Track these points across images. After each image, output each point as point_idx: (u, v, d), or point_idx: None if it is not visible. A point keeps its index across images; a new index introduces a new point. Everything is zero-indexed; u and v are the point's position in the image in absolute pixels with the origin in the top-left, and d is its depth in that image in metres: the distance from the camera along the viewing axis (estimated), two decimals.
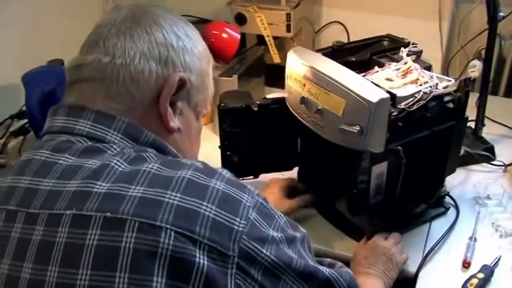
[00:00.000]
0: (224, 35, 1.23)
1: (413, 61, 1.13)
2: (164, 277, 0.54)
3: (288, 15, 1.75)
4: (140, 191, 0.57)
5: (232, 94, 1.29)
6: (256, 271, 0.59)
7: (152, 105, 0.70)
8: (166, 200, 0.56)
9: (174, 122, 0.72)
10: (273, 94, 1.23)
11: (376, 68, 1.11)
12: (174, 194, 0.57)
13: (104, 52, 0.69)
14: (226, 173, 0.64)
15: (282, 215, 0.67)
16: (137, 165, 0.61)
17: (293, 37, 1.83)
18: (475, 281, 1.03)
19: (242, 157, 1.26)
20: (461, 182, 1.36)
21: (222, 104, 1.21)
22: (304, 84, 1.06)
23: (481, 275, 1.04)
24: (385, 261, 1.06)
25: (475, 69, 1.65)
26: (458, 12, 1.91)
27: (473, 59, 1.77)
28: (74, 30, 1.76)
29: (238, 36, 1.54)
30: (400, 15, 1.92)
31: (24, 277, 0.58)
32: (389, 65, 1.12)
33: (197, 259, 0.54)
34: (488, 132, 1.52)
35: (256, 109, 1.21)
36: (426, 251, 1.13)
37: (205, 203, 0.57)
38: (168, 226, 0.55)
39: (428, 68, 1.14)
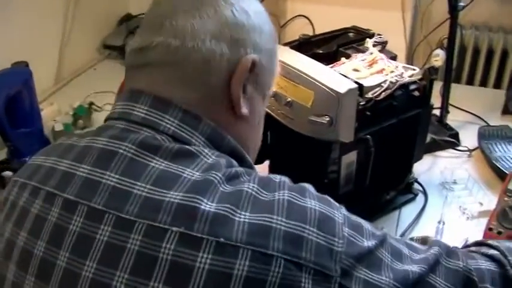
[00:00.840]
0: None
1: (379, 51, 1.16)
2: None
3: None
4: (247, 217, 0.55)
5: None
6: (357, 285, 0.58)
7: (224, 90, 0.66)
8: (274, 225, 0.55)
9: (244, 108, 0.68)
10: None
11: (343, 59, 1.13)
12: (279, 218, 0.56)
13: (173, 34, 0.64)
14: (311, 187, 0.63)
15: (362, 219, 0.66)
16: (237, 186, 0.58)
17: None
18: None
19: None
20: (428, 168, 1.39)
21: None
22: None
23: None
24: None
25: (438, 58, 1.68)
26: (420, 3, 1.95)
27: (436, 48, 1.81)
28: (37, 31, 1.75)
29: None
30: (364, 7, 1.95)
31: (116, 285, 0.55)
32: (356, 56, 1.14)
33: (303, 284, 0.54)
34: (453, 119, 1.56)
35: None
36: (397, 237, 1.15)
37: (307, 227, 0.56)
38: (279, 254, 0.54)
39: (394, 58, 1.17)
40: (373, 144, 1.07)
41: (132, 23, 2.09)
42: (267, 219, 0.55)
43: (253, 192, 0.58)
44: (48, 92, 1.82)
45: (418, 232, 1.18)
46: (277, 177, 0.63)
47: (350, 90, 0.96)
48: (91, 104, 1.66)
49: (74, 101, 1.65)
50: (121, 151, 0.60)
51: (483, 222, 1.17)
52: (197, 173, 0.58)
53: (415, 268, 0.63)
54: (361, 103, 1.01)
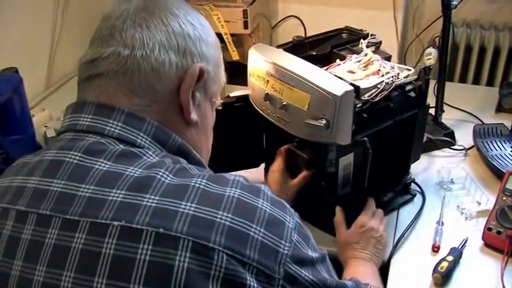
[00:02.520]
0: None
1: (373, 52, 1.15)
2: None
3: (245, 11, 1.75)
4: (192, 209, 0.56)
5: None
6: None
7: (173, 98, 0.69)
8: (218, 220, 0.56)
9: (194, 114, 0.71)
10: (236, 92, 1.23)
11: (338, 61, 1.12)
12: (225, 214, 0.57)
13: (122, 44, 0.67)
14: (268, 191, 0.64)
15: (311, 235, 0.68)
16: (184, 178, 0.60)
17: (251, 33, 1.83)
18: (445, 264, 1.05)
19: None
20: (425, 169, 1.39)
21: None
22: (268, 81, 1.06)
23: (450, 258, 1.06)
24: (375, 243, 1.07)
25: (431, 56, 1.68)
26: (412, 2, 1.95)
27: (428, 47, 1.81)
28: (27, 37, 1.73)
29: None
30: (355, 7, 1.95)
31: (65, 286, 0.56)
32: (350, 57, 1.13)
33: (248, 281, 0.55)
34: (447, 117, 1.56)
35: (220, 108, 1.20)
36: (396, 239, 1.15)
37: (254, 225, 0.58)
38: (221, 248, 0.55)
39: (388, 58, 1.16)
40: (370, 145, 1.06)
41: None
42: (212, 213, 0.56)
43: (201, 186, 0.59)
44: (39, 98, 1.80)
45: (417, 233, 1.17)
46: (232, 176, 0.64)
47: (347, 93, 0.95)
48: None
49: (65, 106, 1.62)
50: (67, 159, 0.63)
51: (482, 222, 1.16)
52: (139, 170, 0.60)
53: (345, 283, 0.70)
54: (358, 105, 1.00)
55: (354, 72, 1.07)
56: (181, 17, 0.70)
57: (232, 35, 1.77)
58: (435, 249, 1.12)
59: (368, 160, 1.09)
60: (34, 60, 1.81)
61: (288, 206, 0.65)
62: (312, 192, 1.17)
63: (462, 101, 1.68)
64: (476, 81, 2.04)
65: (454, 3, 1.37)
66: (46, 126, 1.56)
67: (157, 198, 0.57)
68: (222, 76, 0.80)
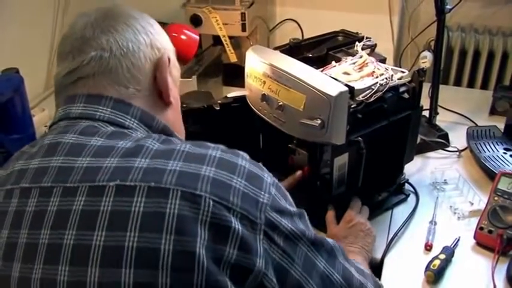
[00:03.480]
0: (183, 37, 1.24)
1: (368, 54, 1.18)
2: (206, 239, 0.60)
3: (243, 14, 1.77)
4: (179, 166, 0.63)
5: (193, 95, 1.30)
6: (278, 238, 0.66)
7: (152, 84, 0.78)
8: (202, 173, 0.63)
9: (170, 96, 0.80)
10: (234, 93, 1.25)
11: (333, 62, 1.14)
12: (209, 168, 0.64)
13: (100, 48, 0.74)
14: (245, 154, 0.70)
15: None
16: (170, 145, 0.67)
17: (248, 36, 1.85)
18: (437, 262, 1.07)
19: None
20: (419, 169, 1.41)
21: (184, 105, 1.22)
22: (264, 82, 1.08)
23: (442, 256, 1.09)
24: (364, 236, 1.10)
25: (426, 60, 1.70)
26: (408, 6, 1.97)
27: (423, 50, 1.83)
28: (27, 38, 1.75)
29: (197, 37, 1.55)
30: (352, 11, 1.97)
31: (68, 243, 0.62)
32: (346, 59, 1.15)
33: (233, 224, 0.61)
34: (442, 120, 1.58)
35: (218, 108, 1.23)
36: (390, 238, 1.17)
37: (235, 177, 0.64)
38: (207, 195, 0.61)
39: (383, 60, 1.18)
40: (364, 146, 1.08)
41: None
42: (197, 168, 0.63)
43: (186, 149, 0.66)
44: (39, 98, 1.82)
45: (411, 232, 1.20)
46: (212, 144, 0.70)
47: (341, 93, 0.97)
48: None
49: None
50: (63, 140, 0.70)
51: (474, 221, 1.18)
52: (129, 143, 0.67)
53: (324, 238, 0.77)
54: (352, 106, 1.02)
55: (349, 74, 1.09)
56: (139, 19, 0.80)
57: (230, 37, 1.79)
58: (428, 247, 1.14)
59: (362, 160, 1.11)
60: (34, 61, 1.83)
61: (264, 168, 0.71)
62: (307, 192, 1.19)
63: (456, 103, 1.70)
64: (470, 84, 2.06)
65: (448, 7, 1.40)
66: (46, 126, 1.58)
67: (147, 160, 0.64)
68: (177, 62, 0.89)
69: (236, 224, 0.61)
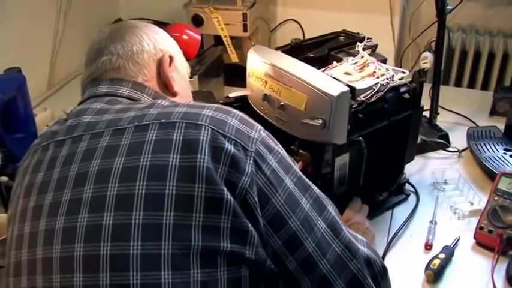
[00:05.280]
0: (185, 37, 1.25)
1: (369, 55, 1.18)
2: (206, 155, 0.70)
3: (244, 15, 1.78)
4: (183, 109, 0.75)
5: (195, 95, 1.30)
6: (266, 168, 0.73)
7: (156, 78, 0.92)
8: (203, 113, 0.75)
9: (176, 87, 0.94)
10: (235, 93, 1.25)
11: (335, 62, 1.14)
12: (208, 111, 0.75)
13: (111, 54, 0.90)
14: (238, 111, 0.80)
15: None
16: (175, 104, 0.79)
17: (250, 36, 1.86)
18: (437, 261, 1.08)
19: None
20: (419, 169, 1.42)
21: None
22: (266, 82, 1.09)
23: (442, 256, 1.09)
24: (361, 235, 1.09)
25: (427, 60, 1.71)
26: (409, 7, 1.98)
27: (424, 51, 1.84)
28: (29, 38, 1.75)
29: (199, 37, 1.56)
30: (353, 11, 1.98)
31: (93, 170, 0.73)
32: (347, 59, 1.16)
33: (226, 145, 0.71)
34: (442, 120, 1.59)
35: None
36: (390, 237, 1.18)
37: (230, 117, 0.76)
38: (206, 124, 0.73)
39: (384, 61, 1.19)
40: (365, 145, 1.09)
41: None
42: (198, 110, 0.75)
43: (187, 105, 0.78)
44: (41, 98, 1.82)
45: (411, 232, 1.20)
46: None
47: (342, 93, 0.98)
48: None
49: (66, 106, 1.65)
50: (92, 106, 0.82)
51: (474, 221, 1.19)
52: (143, 105, 0.80)
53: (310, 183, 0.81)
54: (353, 106, 1.03)
55: (349, 74, 1.10)
56: (143, 29, 0.95)
57: (231, 37, 1.80)
58: (428, 247, 1.15)
59: (363, 160, 1.12)
60: (36, 61, 1.84)
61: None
62: None
63: (457, 104, 1.71)
64: (471, 85, 2.07)
65: (449, 8, 1.41)
66: (48, 126, 1.58)
67: (159, 109, 0.76)
68: (183, 58, 1.02)
69: (229, 146, 0.71)
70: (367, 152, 1.11)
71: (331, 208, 0.81)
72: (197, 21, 1.78)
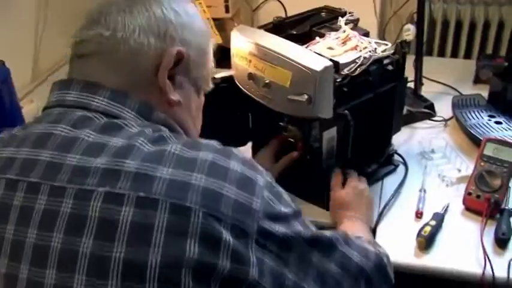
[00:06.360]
0: None
1: (351, 29, 1.19)
2: (196, 253, 0.58)
3: None
4: (169, 173, 0.61)
5: None
6: (271, 244, 0.64)
7: (153, 79, 0.73)
8: (193, 182, 0.61)
9: (174, 95, 0.75)
10: (221, 73, 1.25)
11: (317, 38, 1.15)
12: (199, 176, 0.61)
13: (105, 27, 0.72)
14: (239, 152, 0.68)
15: (285, 193, 0.72)
16: (161, 146, 0.64)
17: (232, 17, 1.86)
18: (428, 228, 1.10)
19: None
20: (406, 140, 1.44)
21: None
22: (250, 61, 1.10)
23: (433, 222, 1.11)
24: (367, 205, 1.14)
25: (409, 32, 1.72)
26: None
27: (406, 23, 1.85)
28: (11, 29, 1.74)
29: None
30: None
31: (55, 246, 0.61)
32: (329, 34, 1.16)
33: (223, 235, 0.59)
34: (427, 90, 1.61)
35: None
36: (381, 207, 1.20)
37: (227, 185, 0.62)
38: (197, 207, 0.59)
39: (366, 34, 1.20)
40: (351, 118, 1.10)
41: None
42: (187, 176, 0.61)
43: (176, 151, 0.64)
44: (27, 90, 1.81)
45: (401, 201, 1.22)
46: (205, 140, 0.69)
47: (326, 68, 0.99)
48: None
49: None
50: (56, 132, 0.67)
51: (462, 187, 1.21)
52: (121, 141, 0.65)
53: (321, 233, 0.75)
54: (338, 80, 1.04)
55: (332, 49, 1.10)
56: (165, 3, 0.75)
57: (214, 19, 1.80)
58: (419, 215, 1.17)
59: (350, 133, 1.13)
60: (19, 53, 1.82)
61: (257, 164, 0.69)
62: (297, 166, 1.22)
63: (441, 74, 1.72)
64: (454, 54, 2.08)
65: None
66: (35, 117, 1.58)
67: (137, 163, 0.62)
68: (209, 63, 0.84)
69: (227, 235, 0.60)
70: (354, 125, 1.12)
71: (340, 241, 0.78)
72: None
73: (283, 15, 1.95)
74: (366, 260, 0.82)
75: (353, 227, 1.05)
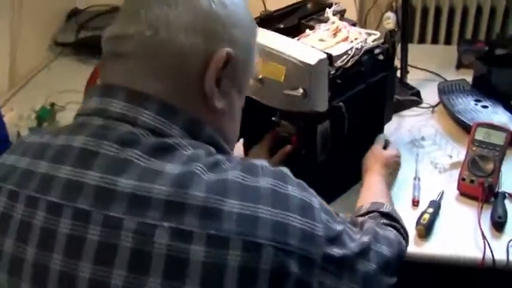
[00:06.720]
0: None
1: (339, 20, 1.18)
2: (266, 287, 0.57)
3: None
4: (236, 206, 0.58)
5: None
6: (331, 266, 0.64)
7: (196, 83, 0.66)
8: (260, 215, 0.58)
9: (219, 103, 0.68)
10: None
11: (308, 31, 1.14)
12: (266, 208, 0.59)
13: (147, 24, 0.64)
14: (288, 172, 0.67)
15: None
16: (221, 174, 0.60)
17: None
18: (426, 216, 1.10)
19: None
20: (396, 129, 1.44)
21: None
22: None
23: (430, 210, 1.12)
24: (395, 171, 1.21)
25: (390, 20, 1.71)
26: None
27: (386, 11, 1.85)
28: None
29: None
30: None
31: (115, 284, 0.57)
32: (319, 26, 1.16)
33: (291, 268, 0.58)
34: (412, 78, 1.61)
35: None
36: None
37: (291, 214, 0.60)
38: (267, 242, 0.57)
39: (354, 24, 1.20)
40: (346, 110, 1.10)
41: (80, 18, 2.04)
42: (254, 208, 0.58)
43: (239, 180, 0.60)
44: (5, 97, 1.77)
45: (397, 190, 1.22)
46: (257, 162, 0.65)
47: (321, 61, 0.98)
48: (53, 104, 1.63)
49: (33, 104, 1.61)
50: (102, 151, 0.61)
51: (455, 173, 1.22)
52: (178, 167, 0.59)
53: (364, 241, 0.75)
54: (331, 72, 1.03)
55: (324, 41, 1.10)
56: None
57: None
58: (415, 203, 1.18)
59: (345, 125, 1.13)
60: None
61: (306, 185, 0.67)
62: (292, 161, 1.21)
63: (424, 61, 1.73)
64: (434, 41, 2.10)
65: None
66: (17, 126, 1.54)
67: (201, 195, 0.57)
68: (254, 59, 0.77)
69: (294, 266, 0.58)
70: (348, 117, 1.12)
71: (374, 242, 0.79)
72: None
73: (262, 9, 1.95)
74: (392, 250, 0.83)
75: (378, 185, 1.10)
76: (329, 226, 0.65)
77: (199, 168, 0.59)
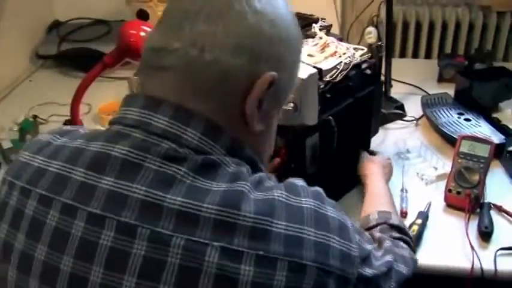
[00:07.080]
0: (142, 33, 1.23)
1: (326, 35, 1.20)
2: None
3: None
4: (283, 227, 0.58)
5: None
6: (362, 285, 0.67)
7: (238, 104, 0.64)
8: (305, 236, 0.59)
9: (258, 125, 0.66)
10: None
11: None
12: (310, 229, 0.60)
13: (192, 42, 0.61)
14: (322, 191, 0.67)
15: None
16: (266, 193, 0.61)
17: None
18: (415, 227, 1.12)
19: None
20: (382, 141, 1.46)
21: None
22: None
23: (419, 221, 1.14)
24: (390, 172, 1.26)
25: (371, 35, 1.74)
26: None
27: (367, 26, 1.88)
28: None
29: None
30: None
31: (94, 281, 0.57)
32: (306, 41, 1.17)
33: (330, 286, 0.60)
34: (395, 91, 1.64)
35: None
36: None
37: (331, 235, 0.62)
38: (311, 263, 0.59)
39: (341, 39, 1.21)
40: (335, 124, 1.11)
41: (62, 30, 2.04)
42: (299, 230, 0.60)
43: (284, 199, 0.61)
44: None
45: None
46: (295, 181, 0.67)
47: (311, 76, 0.99)
48: (35, 117, 1.62)
49: (15, 116, 1.60)
50: (147, 164, 0.60)
51: (441, 185, 1.24)
52: (224, 185, 0.59)
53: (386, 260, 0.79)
54: (321, 86, 1.05)
55: (313, 56, 1.11)
56: (262, 10, 0.63)
57: None
58: (403, 214, 1.19)
59: (334, 138, 1.14)
60: None
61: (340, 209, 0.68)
62: (281, 174, 1.21)
63: (405, 75, 1.77)
64: (415, 55, 2.14)
65: None
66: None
67: (251, 216, 0.57)
68: (296, 76, 0.74)
69: (333, 285, 0.60)
70: (336, 130, 1.13)
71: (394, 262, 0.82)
72: (143, 16, 1.76)
73: None
74: (408, 268, 0.86)
75: (382, 188, 1.14)
76: (362, 247, 0.68)
77: (247, 187, 0.60)
